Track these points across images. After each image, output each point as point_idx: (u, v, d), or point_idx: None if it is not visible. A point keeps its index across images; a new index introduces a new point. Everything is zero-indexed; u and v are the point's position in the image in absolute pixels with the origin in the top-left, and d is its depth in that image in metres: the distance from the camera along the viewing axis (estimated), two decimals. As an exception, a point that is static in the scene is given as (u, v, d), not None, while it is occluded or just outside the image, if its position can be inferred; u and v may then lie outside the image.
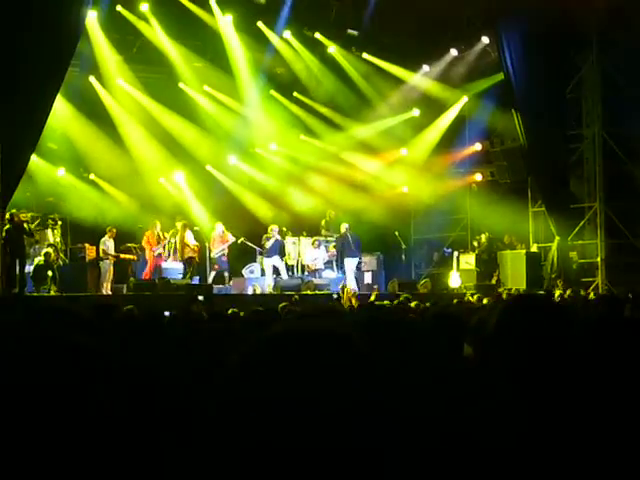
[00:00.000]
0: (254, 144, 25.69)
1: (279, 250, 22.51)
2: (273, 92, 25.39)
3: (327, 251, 23.51)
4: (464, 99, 25.90)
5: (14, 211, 17.47)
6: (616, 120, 22.86)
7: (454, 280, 23.28)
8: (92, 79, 22.66)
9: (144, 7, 21.35)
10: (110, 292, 19.99)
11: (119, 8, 21.26)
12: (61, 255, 19.85)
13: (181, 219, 22.36)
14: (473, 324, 4.42)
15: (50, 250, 18.71)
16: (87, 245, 20.77)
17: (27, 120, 16.43)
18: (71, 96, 21.44)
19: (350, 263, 22.59)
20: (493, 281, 23.05)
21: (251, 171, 25.60)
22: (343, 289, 18.68)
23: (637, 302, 10.55)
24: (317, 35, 24.13)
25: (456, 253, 24.20)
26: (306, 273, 23.33)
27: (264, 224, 23.77)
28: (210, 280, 22.00)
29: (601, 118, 23.38)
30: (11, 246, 17.00)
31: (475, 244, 24.76)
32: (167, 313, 9.61)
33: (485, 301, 12.86)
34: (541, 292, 19.99)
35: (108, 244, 20.72)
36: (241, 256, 23.32)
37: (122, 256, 21.17)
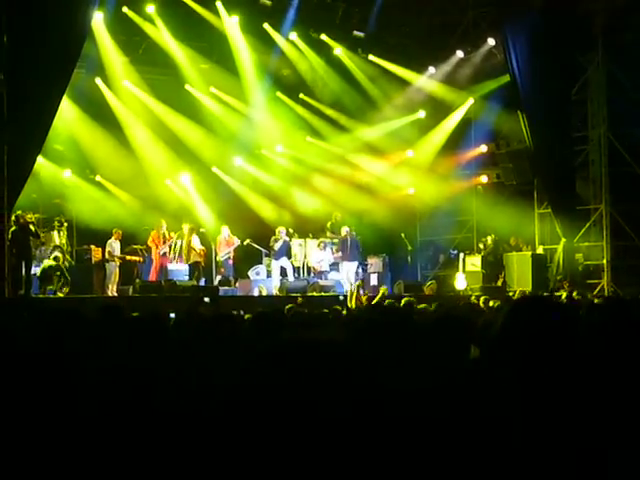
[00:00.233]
0: (260, 146, 25.70)
1: (286, 252, 22.56)
2: (279, 94, 25.40)
3: (333, 253, 23.51)
4: (470, 101, 25.88)
5: (20, 212, 17.47)
6: (622, 122, 22.81)
7: (460, 282, 23.25)
8: (98, 81, 22.67)
9: (150, 8, 21.36)
10: (116, 294, 20.01)
11: (125, 9, 21.27)
12: (67, 257, 19.87)
13: (188, 222, 22.36)
14: (480, 325, 4.43)
15: (59, 255, 18.77)
16: (93, 247, 20.79)
17: (33, 122, 16.44)
18: (77, 98, 21.45)
19: (347, 267, 22.55)
20: (499, 283, 23.02)
21: (257, 173, 25.60)
22: (358, 288, 18.56)
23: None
24: (323, 37, 24.13)
25: (462, 255, 24.15)
26: (312, 275, 23.34)
27: (270, 226, 23.78)
28: (215, 283, 22.04)
29: (607, 120, 23.34)
30: (17, 248, 17.02)
31: (481, 246, 24.73)
32: (172, 315, 9.62)
33: (492, 303, 12.81)
34: (547, 294, 19.96)
35: (114, 246, 20.74)
36: (247, 258, 23.33)
37: (128, 258, 21.18)
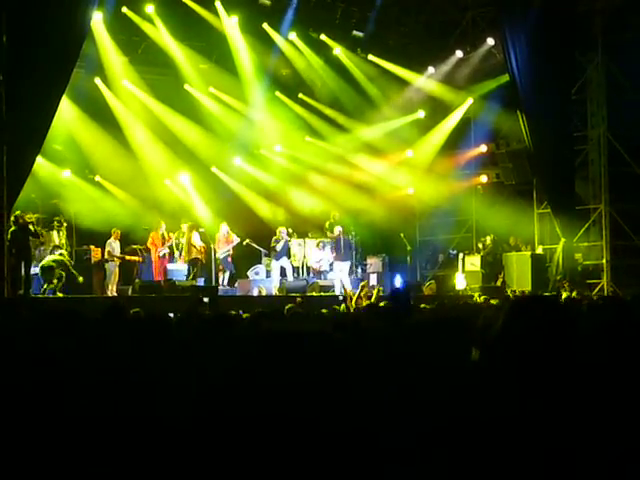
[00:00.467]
0: (259, 145, 25.71)
1: (287, 252, 22.58)
2: (278, 94, 25.40)
3: (332, 252, 23.50)
4: (469, 101, 25.88)
5: (19, 213, 17.47)
6: (621, 121, 22.80)
7: (459, 282, 23.27)
8: (97, 80, 22.66)
9: (149, 8, 21.37)
10: (116, 294, 20.00)
11: (124, 9, 21.29)
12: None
13: (187, 221, 22.39)
14: (479, 325, 4.42)
15: (65, 252, 18.84)
16: (92, 247, 20.78)
17: (32, 122, 16.42)
18: (76, 98, 21.44)
19: (340, 267, 22.52)
20: (499, 283, 23.02)
21: (256, 173, 25.60)
22: (362, 289, 18.45)
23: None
24: (322, 37, 24.15)
25: (461, 255, 24.16)
26: (311, 275, 23.34)
27: (269, 226, 23.79)
28: (226, 282, 22.07)
29: (606, 119, 23.35)
30: (16, 248, 17.01)
31: (480, 246, 24.74)
32: (172, 315, 9.62)
33: (493, 302, 12.84)
34: (547, 294, 19.96)
35: (114, 246, 20.74)
36: (246, 258, 23.33)
37: (127, 258, 21.17)
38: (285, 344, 1.68)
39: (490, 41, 24.18)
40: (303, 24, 23.45)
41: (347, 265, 22.67)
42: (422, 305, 10.75)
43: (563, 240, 23.04)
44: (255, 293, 21.28)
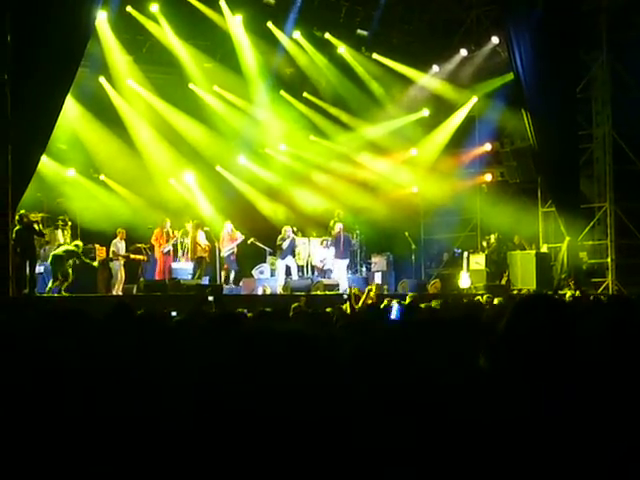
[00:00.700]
0: (263, 144, 25.71)
1: (292, 250, 22.59)
2: (283, 92, 25.40)
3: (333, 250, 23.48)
4: (474, 99, 25.85)
5: (24, 212, 17.51)
6: (626, 120, 22.76)
7: (464, 280, 23.26)
8: (102, 79, 22.69)
9: (154, 8, 21.39)
10: (121, 293, 20.00)
11: (129, 9, 21.30)
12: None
13: (191, 220, 22.41)
14: (483, 325, 4.41)
15: (80, 243, 18.95)
16: (97, 246, 20.78)
17: (37, 121, 16.45)
18: (81, 97, 21.46)
19: (339, 264, 22.49)
20: (503, 281, 23.02)
21: (260, 171, 25.60)
22: (368, 290, 18.40)
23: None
24: (327, 35, 24.14)
25: (466, 253, 24.14)
26: (316, 273, 23.34)
27: (273, 224, 23.80)
28: (231, 281, 22.08)
29: (611, 118, 23.31)
30: (21, 247, 17.03)
31: (485, 244, 24.74)
32: (174, 313, 9.64)
33: (496, 301, 12.82)
34: (551, 292, 19.93)
35: (119, 246, 20.73)
36: (251, 257, 23.33)
37: (132, 256, 21.16)
38: (285, 344, 1.69)
39: (494, 39, 24.14)
40: (307, 23, 23.45)
41: (345, 263, 22.61)
42: (432, 303, 10.72)
43: (568, 239, 23.00)
44: (260, 292, 21.29)
